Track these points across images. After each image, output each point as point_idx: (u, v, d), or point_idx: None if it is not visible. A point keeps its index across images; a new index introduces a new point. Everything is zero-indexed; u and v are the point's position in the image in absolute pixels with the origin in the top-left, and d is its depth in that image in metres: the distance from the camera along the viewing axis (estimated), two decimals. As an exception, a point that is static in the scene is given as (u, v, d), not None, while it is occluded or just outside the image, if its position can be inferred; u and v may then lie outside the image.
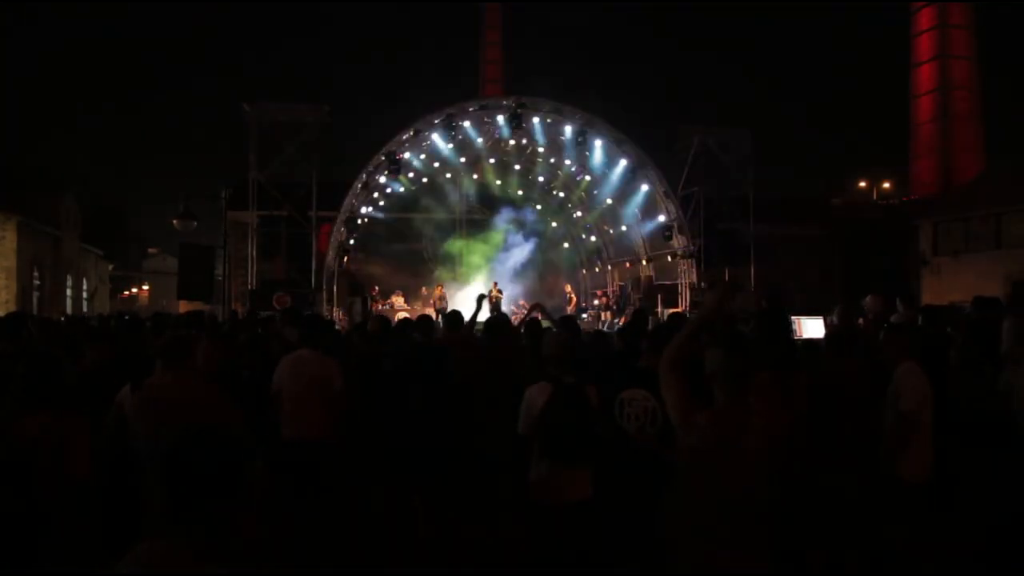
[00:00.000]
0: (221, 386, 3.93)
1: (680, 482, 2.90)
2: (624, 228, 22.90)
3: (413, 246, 24.58)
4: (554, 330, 5.80)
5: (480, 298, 7.24)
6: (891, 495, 4.31)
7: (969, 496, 4.80)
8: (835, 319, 6.66)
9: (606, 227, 24.39)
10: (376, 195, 20.39)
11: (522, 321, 7.69)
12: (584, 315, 23.04)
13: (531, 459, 4.03)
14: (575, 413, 3.87)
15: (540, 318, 7.26)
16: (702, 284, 19.52)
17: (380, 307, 19.75)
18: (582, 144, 19.45)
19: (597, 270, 26.21)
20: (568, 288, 23.91)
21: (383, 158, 18.63)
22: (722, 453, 2.80)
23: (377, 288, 21.55)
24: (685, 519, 2.85)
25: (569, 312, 20.77)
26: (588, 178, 22.13)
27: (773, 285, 19.70)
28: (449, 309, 19.11)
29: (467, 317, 6.80)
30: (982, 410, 4.88)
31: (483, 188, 24.31)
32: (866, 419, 4.29)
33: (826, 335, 4.94)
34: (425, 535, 5.08)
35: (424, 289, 22.46)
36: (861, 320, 6.96)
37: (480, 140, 20.40)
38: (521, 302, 21.71)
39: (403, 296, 22.11)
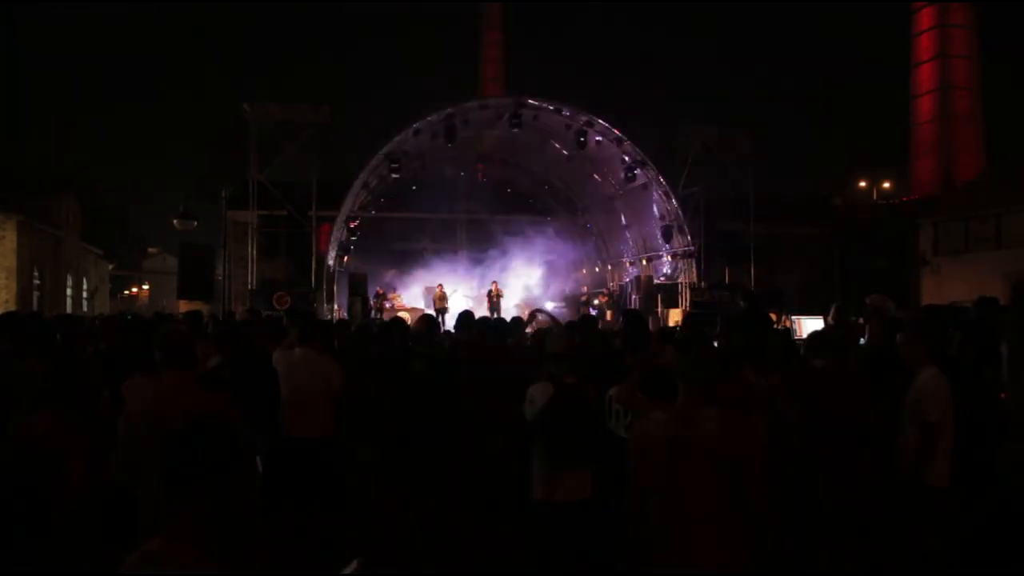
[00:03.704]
0: (219, 386, 3.94)
1: (629, 478, 2.93)
2: (624, 227, 22.89)
3: (413, 246, 24.58)
4: (555, 330, 5.80)
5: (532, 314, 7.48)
6: (913, 500, 4.28)
7: (969, 498, 4.81)
8: (831, 319, 6.66)
9: (606, 226, 24.38)
10: (376, 195, 20.40)
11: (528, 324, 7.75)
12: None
13: (532, 459, 4.04)
14: (575, 413, 3.88)
15: (539, 320, 7.30)
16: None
17: (383, 306, 19.73)
18: (582, 143, 19.46)
19: (597, 270, 26.22)
20: (584, 288, 23.92)
21: (383, 158, 18.64)
22: (670, 451, 2.81)
23: (381, 289, 21.56)
24: (647, 517, 2.87)
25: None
26: (588, 177, 22.14)
27: (746, 285, 19.76)
28: (449, 309, 19.16)
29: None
30: (980, 410, 4.87)
31: (483, 187, 24.31)
32: (854, 421, 4.27)
33: (808, 336, 4.93)
34: (425, 534, 5.09)
35: (424, 289, 22.45)
36: (861, 319, 6.96)
37: (480, 139, 20.41)
38: (519, 302, 21.69)
39: (403, 296, 22.12)
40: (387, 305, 19.60)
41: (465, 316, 6.70)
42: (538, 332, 6.46)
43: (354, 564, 1.84)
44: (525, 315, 18.89)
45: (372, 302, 19.39)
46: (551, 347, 4.16)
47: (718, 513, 2.76)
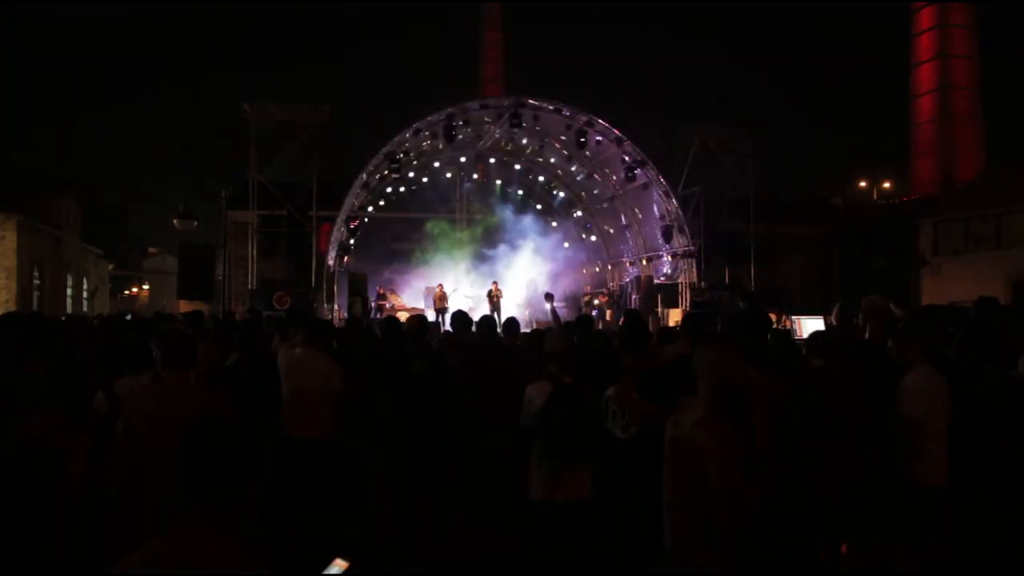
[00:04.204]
0: (220, 386, 3.93)
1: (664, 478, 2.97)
2: (624, 227, 22.89)
3: (413, 246, 24.56)
4: (553, 330, 5.81)
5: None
6: (904, 500, 4.29)
7: (969, 499, 4.81)
8: (833, 319, 6.66)
9: (606, 226, 24.38)
10: (376, 195, 20.41)
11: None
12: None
13: (531, 458, 4.04)
14: (574, 412, 3.88)
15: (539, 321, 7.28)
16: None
17: (386, 306, 19.71)
18: (582, 143, 19.46)
19: (597, 270, 26.21)
20: (585, 288, 23.91)
21: (383, 158, 18.64)
22: (670, 452, 2.83)
23: (381, 288, 21.53)
24: (666, 516, 2.90)
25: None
26: (588, 177, 22.14)
27: (746, 285, 19.78)
28: (449, 309, 19.16)
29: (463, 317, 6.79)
30: (979, 410, 4.87)
31: (483, 187, 24.31)
32: (854, 421, 4.27)
33: (809, 336, 4.89)
34: (425, 534, 5.09)
35: (424, 289, 22.45)
36: (861, 319, 6.95)
37: (480, 139, 20.42)
38: (520, 302, 21.67)
39: (402, 296, 22.11)
40: (387, 305, 19.59)
41: (460, 316, 6.71)
42: (534, 332, 6.47)
43: (338, 563, 1.81)
44: (527, 315, 18.92)
45: (372, 302, 19.38)
46: (549, 347, 4.17)
47: (701, 513, 2.79)
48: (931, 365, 4.35)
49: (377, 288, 20.29)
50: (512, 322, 7.14)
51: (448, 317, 17.91)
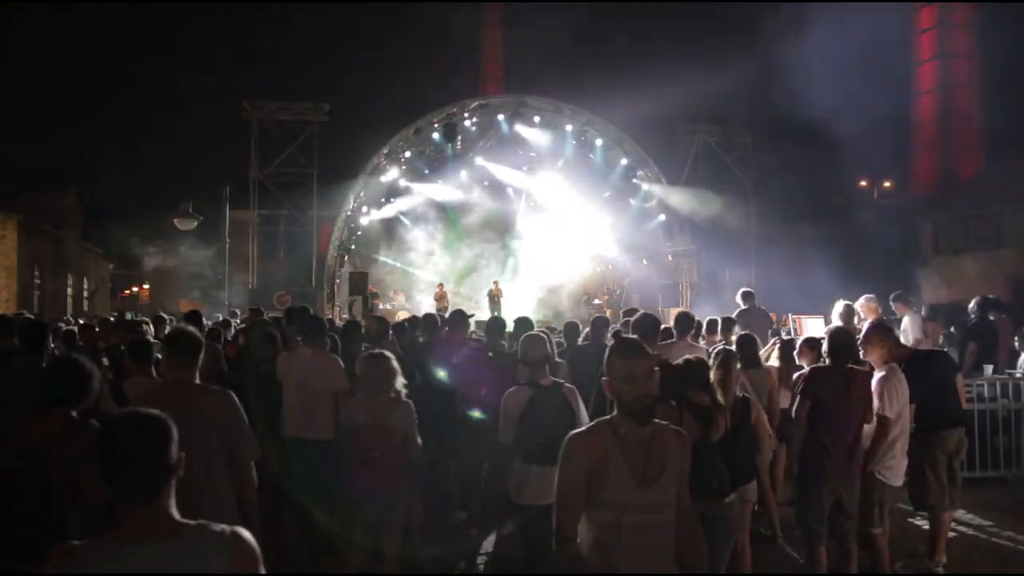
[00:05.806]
0: (222, 385, 3.93)
1: None
2: (624, 227, 22.89)
3: (413, 245, 24.57)
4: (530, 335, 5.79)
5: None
6: (874, 494, 4.37)
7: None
8: (836, 319, 6.68)
9: (607, 226, 24.38)
10: (376, 195, 20.39)
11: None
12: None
13: (513, 463, 3.99)
14: (553, 415, 3.85)
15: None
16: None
17: (381, 306, 19.70)
18: (582, 143, 19.46)
19: (598, 270, 26.20)
20: (585, 288, 23.90)
21: (384, 157, 18.65)
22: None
23: (373, 287, 21.54)
24: None
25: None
26: (588, 177, 22.14)
27: (746, 287, 19.74)
28: (449, 308, 19.21)
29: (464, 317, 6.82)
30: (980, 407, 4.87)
31: (484, 186, 24.30)
32: (855, 420, 4.32)
33: (830, 341, 4.81)
34: (417, 537, 5.10)
35: (425, 288, 22.45)
36: (858, 319, 6.97)
37: (481, 139, 20.43)
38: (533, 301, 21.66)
39: (403, 295, 22.10)
40: (387, 306, 19.58)
41: (430, 318, 6.89)
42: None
43: None
44: (543, 315, 18.86)
45: (370, 301, 19.37)
46: (526, 352, 4.12)
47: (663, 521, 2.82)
48: (895, 367, 4.45)
49: (370, 287, 20.30)
50: (525, 323, 7.12)
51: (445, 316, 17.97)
